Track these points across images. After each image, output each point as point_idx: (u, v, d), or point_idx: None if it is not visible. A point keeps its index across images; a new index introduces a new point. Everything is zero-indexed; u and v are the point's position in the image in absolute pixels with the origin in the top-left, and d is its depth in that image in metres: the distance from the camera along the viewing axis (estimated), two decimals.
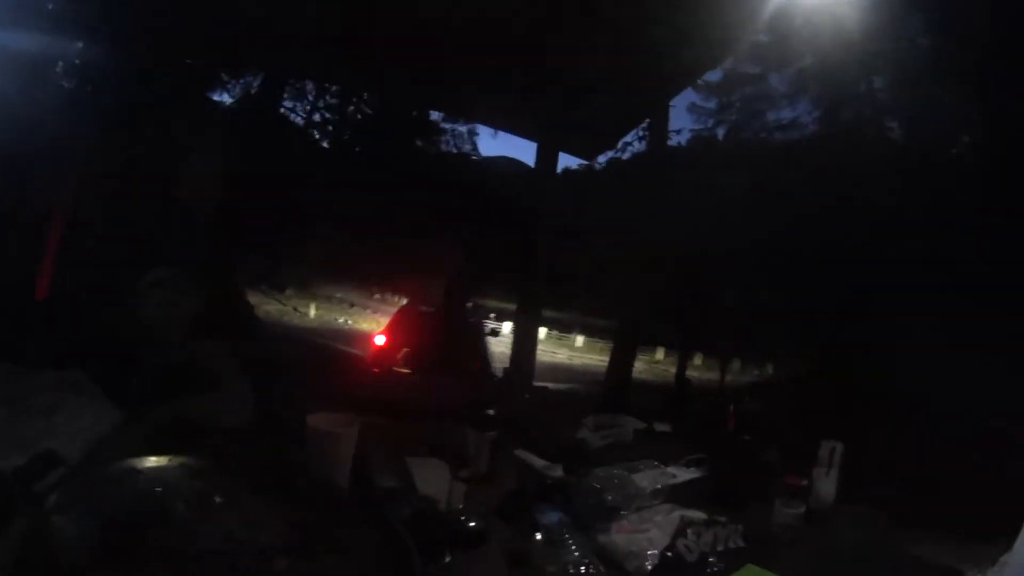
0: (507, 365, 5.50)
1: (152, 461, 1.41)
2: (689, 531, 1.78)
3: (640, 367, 16.10)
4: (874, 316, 10.69)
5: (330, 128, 20.80)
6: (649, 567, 1.70)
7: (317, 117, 20.46)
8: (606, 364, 13.42)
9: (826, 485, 2.43)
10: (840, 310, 11.84)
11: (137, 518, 1.25)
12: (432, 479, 2.03)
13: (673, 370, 18.04)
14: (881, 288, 10.83)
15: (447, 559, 1.57)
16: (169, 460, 1.43)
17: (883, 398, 8.50)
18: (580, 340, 24.38)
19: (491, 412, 2.24)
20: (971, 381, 7.31)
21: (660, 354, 21.88)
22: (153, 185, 2.45)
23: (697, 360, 19.22)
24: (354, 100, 20.44)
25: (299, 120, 19.84)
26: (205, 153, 2.58)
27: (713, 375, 17.41)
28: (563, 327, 24.09)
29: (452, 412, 2.60)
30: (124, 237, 2.30)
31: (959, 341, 8.17)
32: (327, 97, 20.23)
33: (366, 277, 20.16)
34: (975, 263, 9.31)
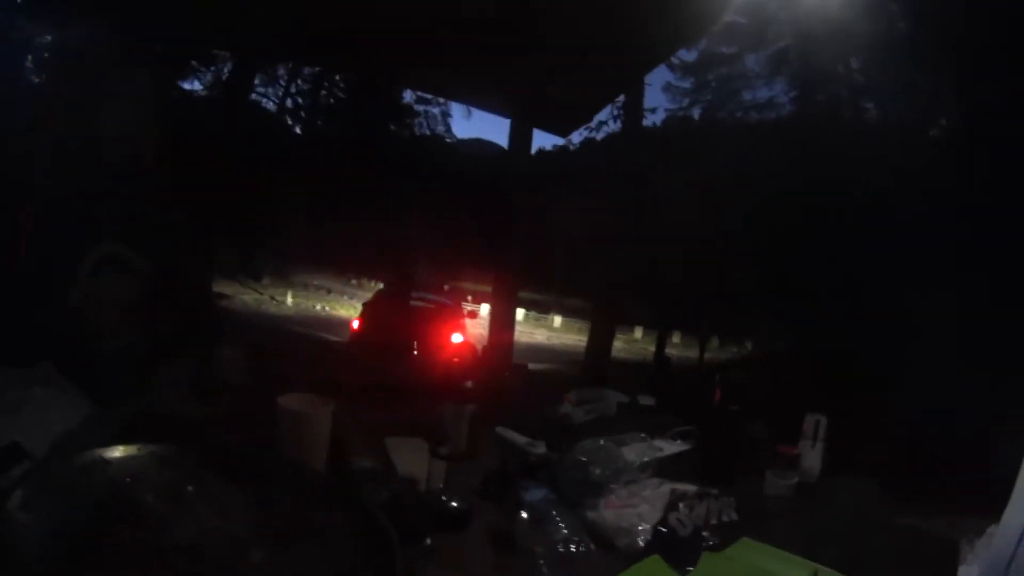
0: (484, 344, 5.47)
1: (120, 451, 1.35)
2: (681, 505, 1.71)
3: (619, 346, 16.17)
4: (853, 292, 10.76)
5: (303, 113, 20.73)
6: (641, 543, 1.64)
7: (289, 103, 20.37)
8: (585, 344, 13.50)
9: (812, 458, 2.40)
10: (818, 287, 11.91)
11: (105, 510, 1.19)
12: (411, 459, 1.97)
13: (652, 348, 18.15)
14: (860, 264, 10.90)
15: (428, 542, 1.51)
16: (138, 449, 1.37)
17: (870, 371, 8.56)
18: (558, 321, 24.47)
19: (468, 384, 2.17)
20: (956, 355, 7.36)
21: (638, 333, 21.99)
22: (79, 146, 2.34)
23: (675, 338, 19.34)
24: (326, 84, 20.36)
25: (271, 106, 19.73)
26: (131, 101, 2.46)
27: (692, 353, 17.53)
28: (541, 308, 24.16)
29: (428, 388, 2.55)
30: (51, 209, 2.20)
31: (943, 313, 8.22)
32: (299, 82, 20.14)
33: (342, 263, 20.13)
34: (952, 238, 9.36)
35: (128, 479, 1.29)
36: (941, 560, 1.75)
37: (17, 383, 1.74)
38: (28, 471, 1.32)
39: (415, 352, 11.38)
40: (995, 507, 1.51)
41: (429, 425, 2.20)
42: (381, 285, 19.37)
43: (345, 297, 19.82)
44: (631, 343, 21.11)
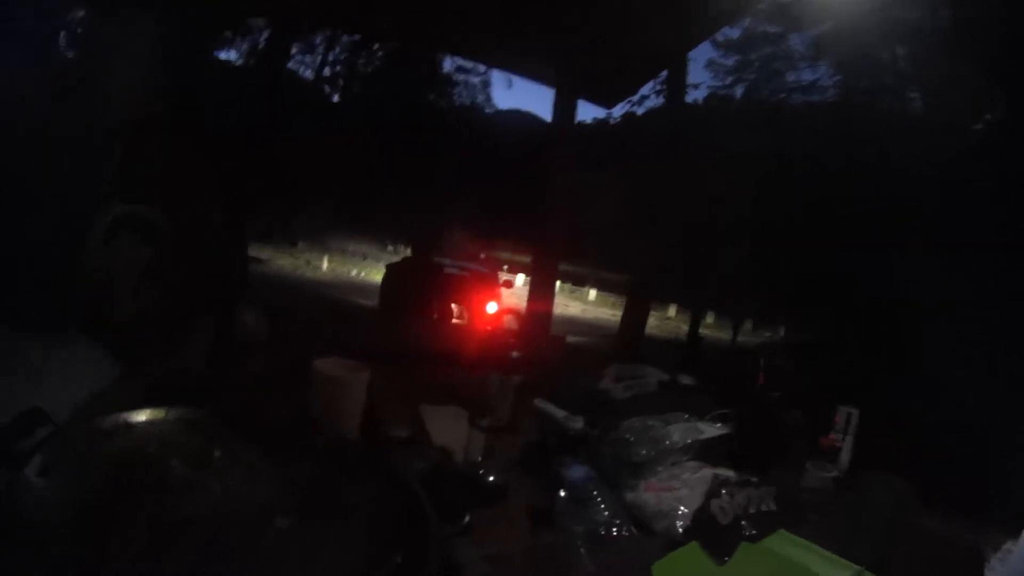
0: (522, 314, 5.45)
1: (146, 414, 1.35)
2: (724, 491, 1.68)
3: (652, 323, 16.12)
4: (891, 285, 10.66)
5: (341, 81, 20.71)
6: (680, 527, 1.61)
7: (327, 71, 20.37)
8: (619, 319, 13.45)
9: (843, 451, 2.36)
10: (853, 276, 11.80)
11: (127, 475, 1.19)
12: (448, 428, 1.95)
13: (685, 327, 18.08)
14: (897, 256, 10.79)
15: (466, 520, 1.48)
16: (165, 413, 1.37)
17: (904, 367, 8.48)
18: (593, 294, 24.44)
19: (516, 354, 2.14)
20: (996, 362, 7.27)
21: (672, 311, 21.93)
22: (149, 134, 2.33)
23: (709, 319, 19.27)
24: (364, 52, 20.34)
25: (309, 72, 19.75)
26: (159, 51, 2.44)
27: (724, 334, 17.45)
28: (576, 280, 24.12)
29: (464, 356, 2.52)
30: (117, 186, 2.18)
31: (984, 318, 8.12)
32: (337, 49, 20.12)
33: (378, 230, 20.16)
34: (991, 237, 9.24)
35: (153, 443, 1.29)
36: (966, 567, 1.73)
37: (41, 348, 1.74)
38: (48, 436, 1.30)
39: (449, 319, 11.41)
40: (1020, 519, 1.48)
41: (466, 394, 2.18)
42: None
43: (381, 263, 19.90)
44: (664, 321, 21.05)
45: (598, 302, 23.96)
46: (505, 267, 18.98)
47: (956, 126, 12.33)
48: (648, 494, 1.71)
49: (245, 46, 17.07)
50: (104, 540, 1.02)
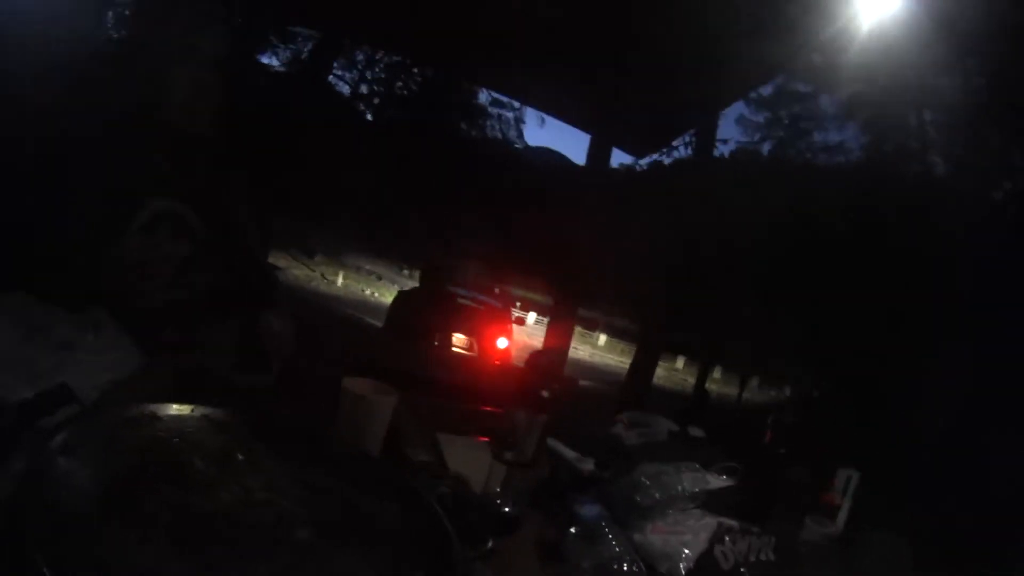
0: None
1: (173, 409, 1.34)
2: (727, 538, 1.76)
3: (660, 373, 16.09)
4: (900, 349, 10.64)
5: (376, 101, 20.80)
6: (683, 569, 1.68)
7: (364, 89, 20.45)
8: (626, 364, 13.44)
9: (839, 513, 2.41)
10: (866, 340, 11.77)
11: (149, 466, 1.18)
12: (465, 457, 2.01)
13: (691, 380, 18.05)
14: (909, 320, 10.77)
15: (489, 545, 1.53)
16: (192, 410, 1.37)
17: (910, 430, 8.46)
18: (603, 339, 24.41)
19: (545, 394, 2.21)
20: (998, 425, 7.26)
21: (680, 363, 21.89)
22: (140, 99, 2.38)
23: (716, 373, 19.21)
24: (403, 75, 20.43)
25: (345, 89, 19.83)
26: (198, 59, 2.50)
27: (730, 389, 17.40)
28: (587, 325, 24.10)
29: (499, 391, 2.57)
30: (112, 162, 2.23)
31: (990, 382, 8.10)
32: (376, 69, 20.21)
33: (396, 251, 20.20)
34: (1007, 306, 9.23)
35: (177, 438, 1.29)
36: None
37: (69, 325, 1.75)
38: (74, 415, 1.31)
39: (461, 350, 11.40)
40: None
41: (490, 426, 2.24)
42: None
43: (396, 285, 19.91)
44: (672, 372, 21.02)
45: (607, 347, 23.93)
46: (518, 303, 18.98)
47: (980, 194, 12.33)
48: (655, 536, 1.78)
49: (287, 56, 17.22)
50: (122, 526, 1.03)
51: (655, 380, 13.23)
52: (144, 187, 2.18)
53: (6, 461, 1.18)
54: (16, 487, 0.99)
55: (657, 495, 1.89)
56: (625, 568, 1.55)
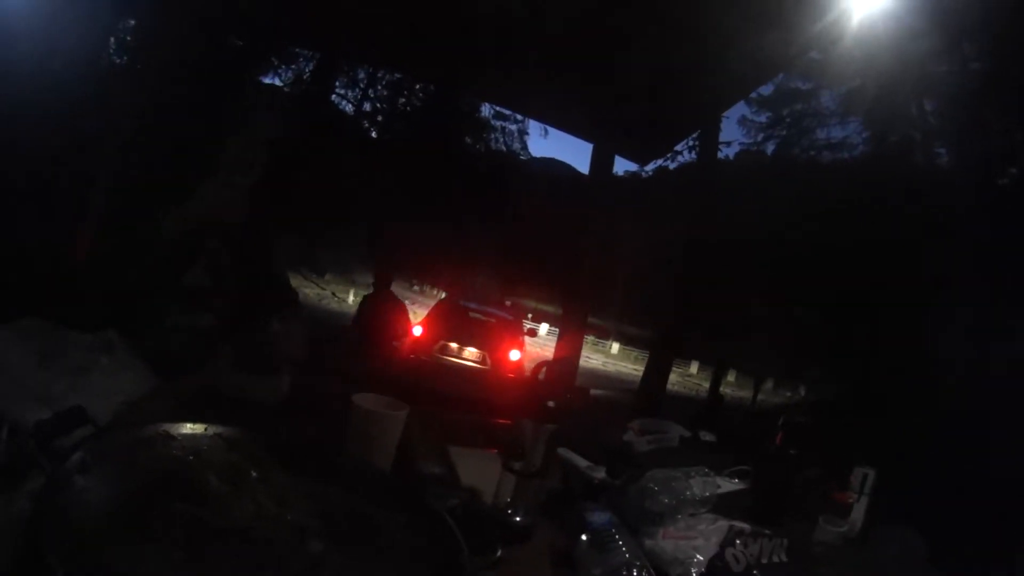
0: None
1: (187, 428, 1.37)
2: (738, 541, 1.76)
3: (674, 379, 16.06)
4: (914, 341, 10.59)
5: (380, 118, 20.84)
6: (695, 574, 1.69)
7: (367, 106, 20.50)
8: (640, 372, 13.42)
9: (856, 511, 2.41)
10: (878, 333, 11.73)
11: (164, 484, 1.20)
12: (477, 470, 2.02)
13: (706, 384, 18.00)
14: (922, 313, 10.73)
15: (499, 554, 1.55)
16: (205, 429, 1.40)
17: (924, 425, 8.41)
18: (615, 347, 24.38)
19: (552, 404, 2.22)
20: (1014, 422, 7.22)
21: (694, 368, 21.84)
22: (198, 157, 2.45)
23: (730, 377, 19.16)
24: (405, 92, 20.47)
25: (349, 107, 19.89)
26: (255, 132, 2.56)
27: (745, 393, 17.34)
28: (600, 333, 24.08)
29: (510, 403, 2.59)
30: (168, 205, 2.30)
31: (1004, 369, 8.05)
32: (378, 87, 20.26)
33: (405, 268, 20.21)
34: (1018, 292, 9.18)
35: (191, 457, 1.31)
36: None
37: (83, 348, 1.80)
38: (90, 436, 1.33)
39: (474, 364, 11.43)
40: None
41: (499, 437, 2.26)
42: (443, 292, 19.47)
43: (407, 301, 19.98)
44: (686, 377, 20.99)
45: (620, 355, 23.90)
46: (529, 315, 18.99)
47: (986, 180, 12.27)
48: (666, 541, 1.79)
49: (289, 76, 17.30)
50: (138, 542, 1.05)
51: (669, 386, 13.21)
52: (189, 223, 2.23)
53: (25, 481, 1.22)
54: (34, 505, 1.01)
55: (667, 500, 1.89)
56: (635, 574, 1.56)
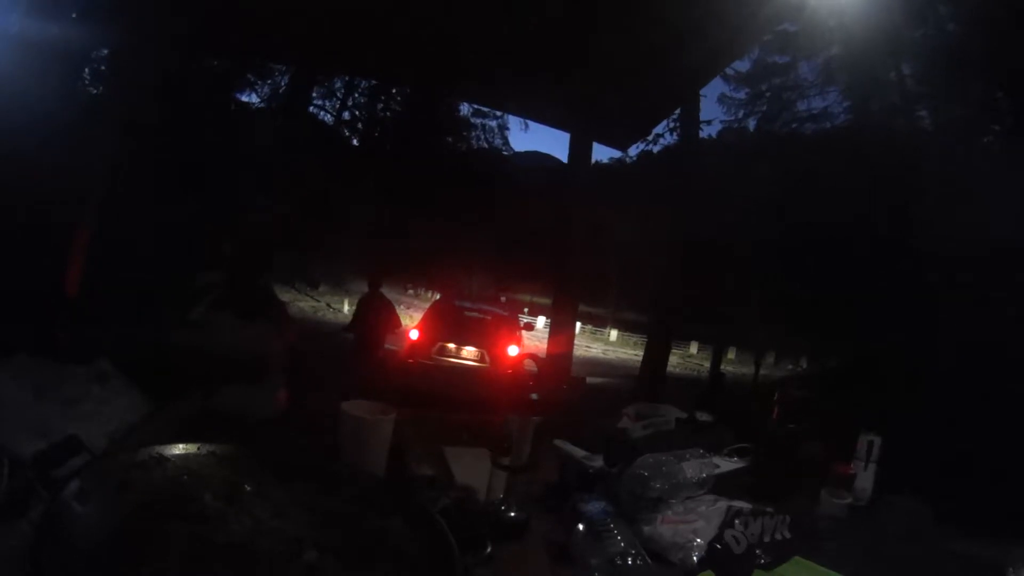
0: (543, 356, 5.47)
1: (179, 448, 1.38)
2: (737, 522, 1.73)
3: (674, 361, 16.09)
4: (909, 309, 10.59)
5: (360, 126, 20.88)
6: (695, 558, 1.66)
7: (347, 115, 20.54)
8: (639, 358, 13.44)
9: (864, 479, 2.39)
10: (873, 303, 11.74)
11: (161, 505, 1.23)
12: (472, 468, 2.00)
13: (706, 364, 18.04)
14: (915, 281, 10.73)
15: (488, 551, 1.53)
16: (198, 448, 1.41)
17: (924, 392, 8.41)
18: (614, 334, 24.42)
19: (534, 397, 2.21)
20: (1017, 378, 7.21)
21: (694, 348, 21.88)
22: (196, 193, 2.47)
23: (730, 354, 19.20)
24: (383, 98, 20.51)
25: (328, 118, 19.92)
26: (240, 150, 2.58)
27: (746, 369, 17.37)
28: (597, 322, 24.13)
29: (493, 399, 2.57)
30: (166, 240, 2.32)
31: (1002, 335, 8.05)
32: (356, 95, 20.30)
33: (399, 273, 20.22)
34: (1009, 254, 9.18)
35: (186, 476, 1.34)
36: None
37: (75, 379, 1.83)
38: (86, 463, 1.37)
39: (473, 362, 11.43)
40: None
41: (488, 435, 2.23)
42: (437, 294, 19.49)
43: (401, 307, 19.97)
44: (686, 358, 21.01)
45: (619, 342, 23.94)
46: (526, 310, 19.00)
47: (970, 140, 12.29)
48: (664, 527, 1.76)
49: (266, 92, 17.33)
50: (136, 566, 1.06)
51: (670, 368, 13.24)
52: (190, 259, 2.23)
53: (26, 511, 1.24)
54: (35, 535, 1.04)
55: (659, 485, 1.86)
56: (630, 562, 1.53)
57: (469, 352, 11.64)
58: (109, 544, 1.09)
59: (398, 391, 2.24)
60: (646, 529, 1.77)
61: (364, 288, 11.75)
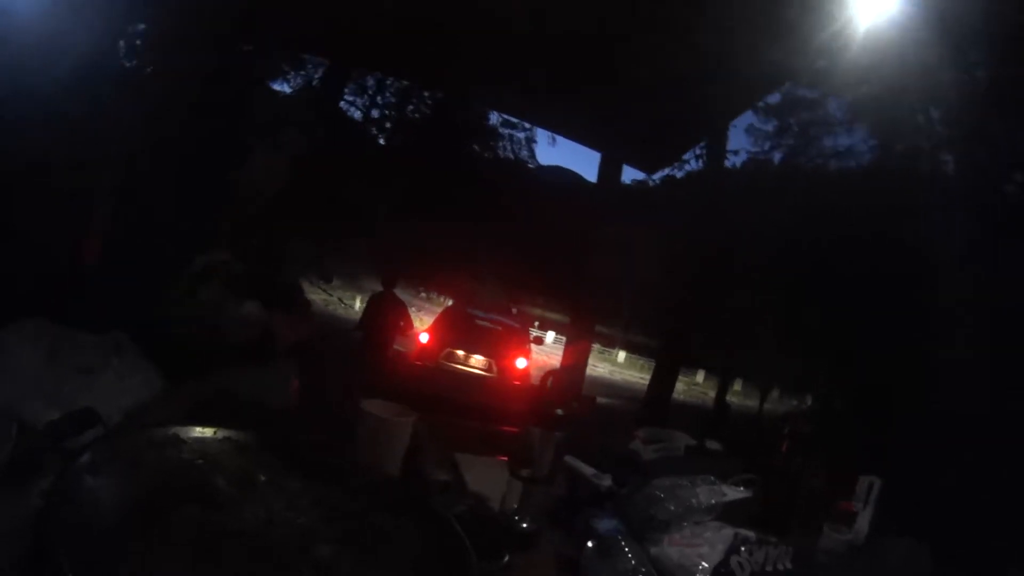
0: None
1: (196, 431, 1.37)
2: (743, 549, 1.77)
3: (680, 388, 16.05)
4: (918, 352, 10.56)
5: (388, 125, 20.87)
6: None
7: (375, 114, 20.54)
8: (646, 381, 13.42)
9: (861, 520, 2.41)
10: (884, 343, 11.70)
11: (174, 486, 1.21)
12: (487, 477, 2.03)
13: (712, 393, 18.00)
14: (926, 324, 10.70)
15: (505, 559, 1.56)
16: (214, 432, 1.40)
17: (925, 432, 8.39)
18: (622, 356, 24.37)
19: (560, 412, 2.23)
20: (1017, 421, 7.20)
21: (700, 376, 21.83)
22: (214, 171, 2.47)
23: (736, 386, 19.14)
24: (413, 99, 20.49)
25: (358, 114, 19.92)
26: (273, 148, 2.58)
27: (751, 401, 17.32)
28: (606, 342, 24.06)
29: (516, 410, 2.59)
30: (181, 216, 2.31)
31: (1006, 380, 8.03)
32: (387, 94, 20.29)
33: (413, 274, 20.22)
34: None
35: (200, 460, 1.32)
36: None
37: (91, 349, 1.80)
38: (101, 437, 1.35)
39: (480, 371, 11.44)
40: None
41: (503, 444, 2.26)
42: (450, 300, 19.47)
43: (413, 308, 19.99)
44: (692, 386, 20.96)
45: (627, 364, 23.90)
46: (536, 323, 18.98)
47: (992, 188, 12.24)
48: (672, 548, 1.79)
49: (298, 82, 17.35)
50: (147, 543, 1.05)
51: (675, 395, 13.21)
52: (203, 242, 2.25)
53: (35, 480, 1.22)
54: (44, 505, 1.02)
55: (672, 508, 1.89)
56: None
57: (477, 360, 11.63)
58: (118, 521, 1.07)
59: (405, 393, 2.24)
60: (653, 550, 1.79)
61: (377, 286, 11.70)
